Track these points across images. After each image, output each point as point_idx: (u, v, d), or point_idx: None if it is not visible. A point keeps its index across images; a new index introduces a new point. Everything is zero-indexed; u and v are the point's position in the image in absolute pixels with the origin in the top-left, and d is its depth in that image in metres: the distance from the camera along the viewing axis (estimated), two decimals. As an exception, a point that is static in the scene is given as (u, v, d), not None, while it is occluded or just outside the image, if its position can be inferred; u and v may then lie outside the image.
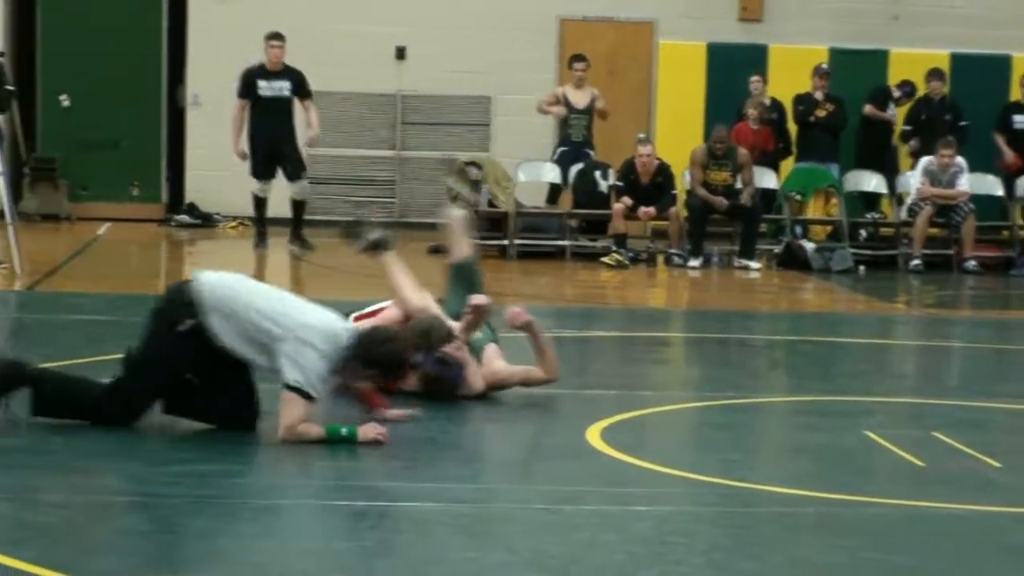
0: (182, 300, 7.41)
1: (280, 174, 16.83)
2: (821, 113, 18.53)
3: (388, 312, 8.68)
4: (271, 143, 16.50)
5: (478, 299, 8.60)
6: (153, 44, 19.82)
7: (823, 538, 6.08)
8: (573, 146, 18.18)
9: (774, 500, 6.70)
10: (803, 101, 18.58)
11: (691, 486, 6.89)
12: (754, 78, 18.78)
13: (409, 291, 8.68)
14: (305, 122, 16.81)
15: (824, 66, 18.82)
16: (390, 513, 6.16)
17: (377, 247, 8.97)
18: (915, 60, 19.37)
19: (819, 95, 18.55)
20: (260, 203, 16.87)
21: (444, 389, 8.35)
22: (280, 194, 16.84)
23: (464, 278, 9.04)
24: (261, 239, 16.92)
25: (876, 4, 20.22)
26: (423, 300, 8.62)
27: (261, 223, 16.97)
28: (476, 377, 8.49)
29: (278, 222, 17.11)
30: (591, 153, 18.20)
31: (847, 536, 6.10)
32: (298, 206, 16.91)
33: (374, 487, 6.64)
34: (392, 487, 6.69)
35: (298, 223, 16.94)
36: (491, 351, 8.65)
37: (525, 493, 6.72)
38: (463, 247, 9.26)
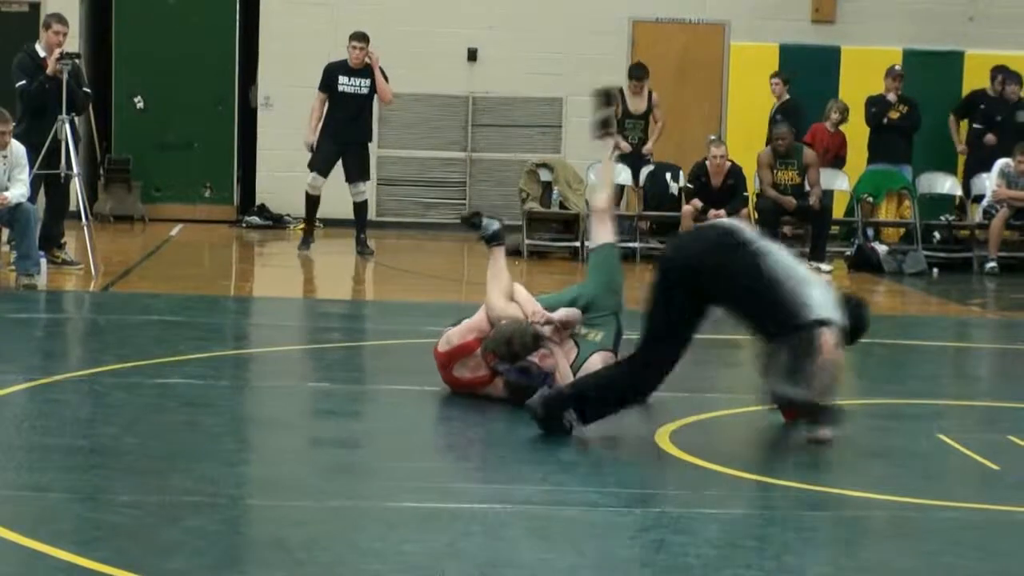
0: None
1: (333, 178, 16.66)
2: (894, 115, 18.40)
3: (476, 317, 8.66)
4: (343, 142, 16.45)
5: (564, 314, 8.53)
6: (226, 46, 19.93)
7: (896, 542, 6.03)
8: (630, 148, 18.19)
9: (846, 504, 6.65)
10: (876, 103, 18.46)
11: (762, 489, 6.86)
12: (774, 80, 18.63)
13: (495, 297, 8.64)
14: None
15: (898, 68, 18.68)
16: (459, 514, 6.15)
17: (491, 240, 9.00)
18: (991, 61, 19.18)
19: (892, 97, 18.42)
20: (312, 201, 16.71)
21: (529, 397, 8.26)
22: (345, 196, 16.79)
23: (605, 264, 8.80)
24: (306, 240, 16.83)
25: (951, 5, 20.05)
26: (507, 308, 8.55)
27: (310, 223, 16.88)
28: (566, 383, 8.34)
29: (343, 223, 17.15)
30: (648, 157, 18.15)
31: (920, 540, 6.05)
32: (359, 209, 16.74)
33: (444, 488, 6.64)
34: (462, 488, 6.69)
35: (361, 227, 16.77)
36: (595, 360, 8.41)
37: (595, 495, 6.70)
38: (607, 232, 8.88)
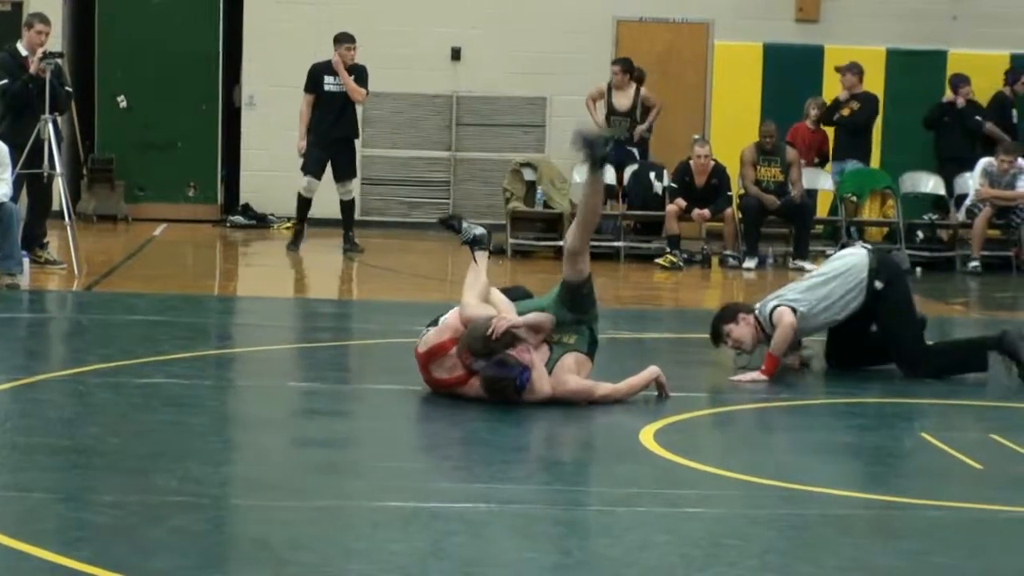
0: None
1: (328, 178, 16.72)
2: (846, 112, 18.37)
3: (450, 317, 8.64)
4: (330, 141, 16.51)
5: (535, 318, 8.55)
6: (210, 45, 19.89)
7: (880, 541, 6.04)
8: (615, 143, 18.12)
9: (830, 502, 6.66)
10: (833, 102, 18.47)
11: (745, 488, 6.86)
12: (615, 67, 18.54)
13: (469, 297, 8.63)
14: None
15: (845, 64, 18.60)
16: (443, 514, 6.15)
17: (473, 244, 8.98)
18: (974, 61, 19.23)
19: (843, 95, 18.37)
20: (304, 203, 16.79)
21: (506, 391, 8.22)
22: (333, 196, 16.81)
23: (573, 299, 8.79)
24: (295, 240, 16.84)
25: (934, 4, 20.07)
26: (479, 309, 8.51)
27: (301, 223, 16.91)
28: (543, 382, 8.31)
29: (329, 223, 17.16)
30: (634, 152, 18.12)
31: (904, 539, 6.06)
32: (346, 207, 16.82)
33: (428, 488, 6.63)
34: (446, 488, 6.69)
35: (348, 225, 16.86)
36: (568, 361, 8.46)
37: (578, 495, 6.71)
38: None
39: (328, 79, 16.57)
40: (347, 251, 16.66)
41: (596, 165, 8.62)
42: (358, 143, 17.15)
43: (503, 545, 5.75)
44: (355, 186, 16.93)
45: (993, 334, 9.96)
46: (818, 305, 9.67)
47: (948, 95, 18.75)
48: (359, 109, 17.19)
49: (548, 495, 6.62)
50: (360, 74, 16.64)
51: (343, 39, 16.68)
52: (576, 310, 8.63)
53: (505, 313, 8.47)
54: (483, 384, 8.26)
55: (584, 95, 18.61)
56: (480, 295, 8.68)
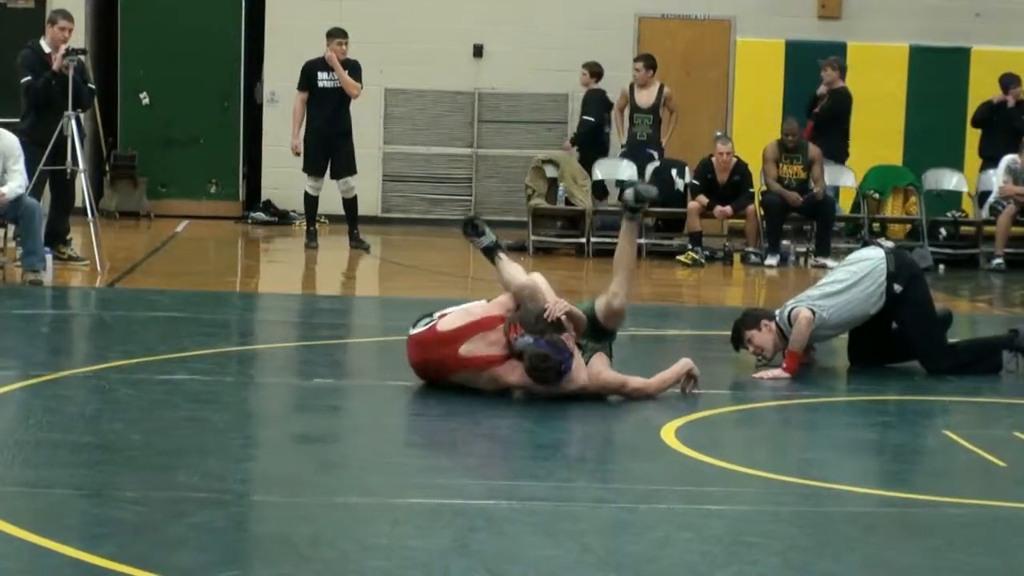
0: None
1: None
2: (817, 109, 18.23)
3: (501, 297, 8.67)
4: (326, 137, 16.53)
5: (577, 312, 8.62)
6: (232, 42, 19.93)
7: (902, 538, 6.02)
8: (637, 144, 18.09)
9: (852, 500, 6.65)
10: (812, 98, 18.27)
11: (767, 485, 6.85)
12: (583, 70, 18.42)
13: (514, 271, 8.69)
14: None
15: (828, 59, 18.40)
16: (464, 511, 6.15)
17: (489, 252, 8.97)
18: (998, 58, 19.17)
19: (821, 90, 18.19)
20: (312, 201, 16.86)
21: (549, 371, 8.22)
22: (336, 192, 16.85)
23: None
24: (312, 238, 16.88)
25: (958, 1, 20.03)
26: (528, 277, 8.62)
27: (312, 222, 16.98)
28: (580, 371, 8.37)
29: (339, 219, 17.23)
30: (655, 154, 18.05)
31: (927, 537, 6.05)
32: (349, 205, 16.82)
33: (449, 484, 6.63)
34: (467, 484, 6.69)
35: (353, 222, 16.86)
36: (602, 357, 8.59)
37: (600, 491, 6.70)
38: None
39: (322, 75, 16.59)
40: (356, 247, 16.69)
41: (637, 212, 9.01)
42: (378, 140, 17.14)
43: (525, 542, 5.75)
44: (356, 182, 16.89)
45: (1005, 334, 9.99)
46: (836, 312, 9.63)
47: (998, 94, 18.49)
48: (382, 108, 17.20)
49: (570, 492, 6.62)
50: (354, 69, 16.65)
51: (335, 34, 16.68)
52: (598, 339, 8.71)
53: (551, 296, 8.53)
54: (528, 361, 8.22)
55: (607, 91, 18.59)
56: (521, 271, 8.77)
